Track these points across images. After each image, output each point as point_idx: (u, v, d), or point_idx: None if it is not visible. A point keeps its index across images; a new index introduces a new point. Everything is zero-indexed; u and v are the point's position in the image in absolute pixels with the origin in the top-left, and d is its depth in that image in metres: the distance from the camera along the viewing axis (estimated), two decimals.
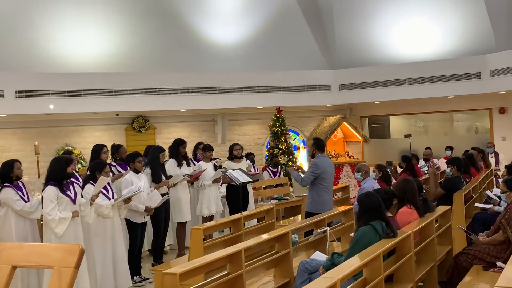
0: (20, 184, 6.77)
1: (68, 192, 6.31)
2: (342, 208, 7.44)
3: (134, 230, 7.43)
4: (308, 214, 7.53)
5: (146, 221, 7.64)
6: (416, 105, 15.18)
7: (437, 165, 12.13)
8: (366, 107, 15.83)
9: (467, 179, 9.05)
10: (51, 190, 6.16)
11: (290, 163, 12.62)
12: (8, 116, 12.55)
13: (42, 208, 6.25)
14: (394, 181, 9.04)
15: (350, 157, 14.46)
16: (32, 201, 6.76)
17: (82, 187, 6.83)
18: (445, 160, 11.07)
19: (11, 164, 6.72)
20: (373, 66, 14.64)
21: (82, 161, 13.28)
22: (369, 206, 5.08)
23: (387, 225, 5.02)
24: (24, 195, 6.69)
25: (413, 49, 14.76)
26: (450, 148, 12.92)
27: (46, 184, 6.26)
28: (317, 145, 7.70)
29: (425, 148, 12.73)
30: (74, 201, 6.35)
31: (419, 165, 11.25)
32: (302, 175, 7.71)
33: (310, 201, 7.63)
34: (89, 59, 13.54)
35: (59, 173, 6.25)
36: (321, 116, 15.23)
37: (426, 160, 12.11)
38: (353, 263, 4.15)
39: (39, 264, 1.60)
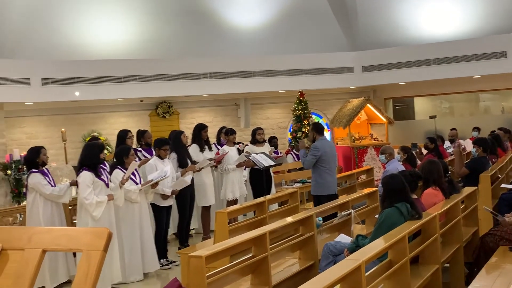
0: (46, 170, 6.91)
1: (102, 177, 6.47)
2: (367, 191, 7.43)
3: (160, 213, 7.52)
4: (315, 197, 7.63)
5: (171, 205, 7.73)
6: (441, 85, 14.98)
7: (463, 146, 11.98)
8: (390, 88, 15.67)
9: (493, 160, 8.93)
10: (87, 175, 6.32)
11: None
12: (35, 104, 12.76)
13: (78, 193, 6.40)
14: (419, 162, 8.97)
15: (374, 139, 14.36)
16: (60, 186, 6.90)
17: (110, 173, 6.94)
18: (471, 141, 10.93)
19: (37, 150, 6.86)
20: (397, 47, 14.46)
21: (108, 147, 13.45)
22: (394, 188, 5.06)
23: (412, 207, 4.99)
24: (50, 180, 6.83)
25: (437, 29, 14.54)
26: (477, 129, 12.74)
27: (80, 170, 6.39)
28: (316, 129, 7.84)
29: (451, 129, 12.58)
30: (107, 185, 6.51)
31: (444, 146, 11.13)
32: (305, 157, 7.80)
33: (314, 184, 7.70)
34: (113, 46, 13.65)
35: (93, 159, 6.42)
36: (345, 99, 15.13)
37: (452, 141, 11.98)
38: (378, 245, 4.15)
39: (68, 247, 1.64)
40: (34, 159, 6.81)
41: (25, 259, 1.67)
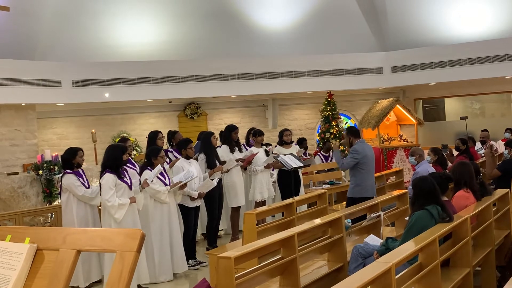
0: (81, 171, 7.03)
1: (125, 179, 6.50)
2: (396, 193, 7.36)
3: (188, 214, 7.56)
4: (350, 200, 7.54)
5: (199, 205, 7.77)
6: (472, 86, 14.74)
7: (495, 147, 11.77)
8: (420, 89, 15.49)
9: None
10: (109, 177, 6.35)
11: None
12: (66, 105, 12.97)
13: (101, 194, 6.45)
14: (450, 164, 8.86)
15: (404, 141, 14.23)
16: (93, 188, 7.01)
17: (140, 173, 7.01)
18: (503, 142, 10.73)
19: (75, 151, 7.00)
20: (427, 47, 14.28)
21: (137, 148, 13.59)
22: (424, 190, 5.01)
23: (443, 210, 4.93)
24: (84, 182, 6.95)
25: (468, 29, 14.32)
26: (509, 130, 12.49)
27: (103, 172, 6.45)
28: (352, 133, 7.74)
29: (482, 131, 12.37)
30: (130, 187, 6.54)
31: (475, 148, 10.97)
32: (344, 159, 7.74)
33: (353, 186, 7.64)
34: (142, 47, 13.79)
35: (116, 161, 6.45)
36: (374, 99, 15.02)
37: (483, 142, 11.78)
38: (408, 247, 4.11)
39: (103, 248, 1.66)
40: (70, 160, 6.95)
41: (60, 259, 1.69)
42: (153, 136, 8.12)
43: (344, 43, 14.80)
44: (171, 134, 8.92)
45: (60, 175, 7.15)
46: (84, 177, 7.01)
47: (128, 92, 12.86)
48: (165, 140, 8.67)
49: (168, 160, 8.09)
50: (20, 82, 11.56)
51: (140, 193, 6.68)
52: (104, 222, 6.52)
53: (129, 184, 6.55)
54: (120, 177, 6.45)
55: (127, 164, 7.02)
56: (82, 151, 7.14)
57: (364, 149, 7.59)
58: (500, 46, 13.23)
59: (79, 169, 7.01)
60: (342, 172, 11.67)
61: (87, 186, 6.97)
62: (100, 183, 6.50)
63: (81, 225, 6.79)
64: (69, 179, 6.83)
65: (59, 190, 7.10)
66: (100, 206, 8.13)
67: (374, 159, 7.84)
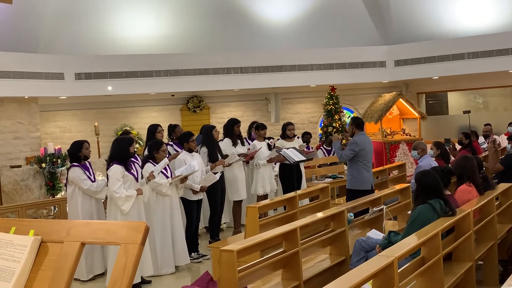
0: (87, 164, 7.05)
1: (132, 171, 6.54)
2: (399, 187, 7.37)
3: (190, 207, 7.58)
4: (349, 191, 7.64)
5: (202, 199, 7.79)
6: (475, 80, 14.71)
7: (498, 142, 11.75)
8: (423, 83, 15.46)
9: None
10: (117, 168, 6.39)
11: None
12: (68, 98, 12.97)
13: (108, 186, 6.48)
14: (452, 158, 8.85)
15: (407, 135, 14.19)
16: (98, 182, 7.04)
17: (142, 167, 7.02)
18: (507, 137, 10.71)
19: (80, 144, 7.04)
20: (430, 41, 14.24)
21: (140, 141, 13.60)
22: (427, 185, 5.01)
23: (446, 204, 4.93)
24: (91, 175, 6.98)
25: (472, 22, 14.26)
26: None
27: (110, 164, 6.48)
28: (356, 124, 7.82)
29: (485, 125, 12.35)
30: (137, 179, 6.58)
31: (478, 142, 10.95)
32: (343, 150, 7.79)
33: (350, 178, 7.71)
34: (145, 41, 13.77)
35: (123, 153, 6.48)
36: (376, 93, 14.98)
37: (486, 136, 11.77)
38: (411, 241, 4.11)
39: (107, 240, 1.67)
40: (76, 153, 6.98)
41: (64, 251, 1.70)
42: (153, 129, 8.14)
43: (347, 37, 14.76)
44: (172, 128, 8.92)
45: (65, 167, 7.18)
46: (90, 170, 7.04)
47: (130, 85, 12.87)
48: (165, 133, 8.68)
49: (168, 153, 8.09)
50: (23, 75, 11.56)
51: (146, 185, 6.72)
52: (110, 214, 6.54)
53: (136, 176, 6.59)
54: (128, 169, 6.48)
55: None
56: (88, 143, 7.18)
57: (363, 142, 7.63)
58: (504, 40, 13.19)
59: (86, 162, 7.04)
60: (344, 166, 11.67)
61: (93, 179, 6.99)
62: (107, 174, 6.52)
63: (85, 218, 6.82)
64: (75, 172, 6.87)
65: (65, 183, 7.12)
66: (104, 199, 8.17)
67: (372, 152, 7.89)
